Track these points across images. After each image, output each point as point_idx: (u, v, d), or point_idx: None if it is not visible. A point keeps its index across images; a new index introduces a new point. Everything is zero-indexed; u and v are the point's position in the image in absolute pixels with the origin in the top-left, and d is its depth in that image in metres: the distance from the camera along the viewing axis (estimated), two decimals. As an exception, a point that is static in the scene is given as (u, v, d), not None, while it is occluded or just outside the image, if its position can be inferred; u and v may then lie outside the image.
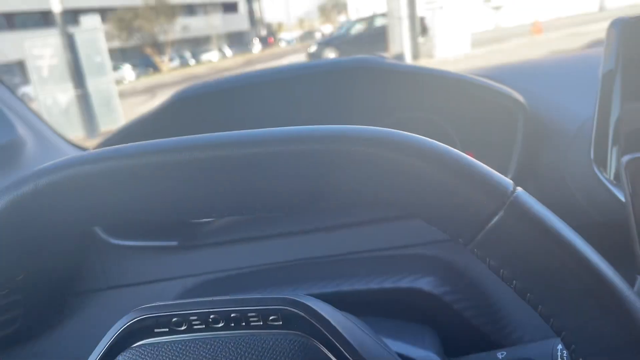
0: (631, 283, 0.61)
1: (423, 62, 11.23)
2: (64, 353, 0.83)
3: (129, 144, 0.36)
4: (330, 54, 15.52)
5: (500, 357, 0.55)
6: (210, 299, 0.38)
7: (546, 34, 12.39)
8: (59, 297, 0.85)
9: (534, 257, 0.33)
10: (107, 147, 0.36)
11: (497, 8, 19.88)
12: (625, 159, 0.61)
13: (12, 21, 29.53)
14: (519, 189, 0.35)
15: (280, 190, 0.35)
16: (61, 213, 0.36)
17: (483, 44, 12.35)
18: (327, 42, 16.55)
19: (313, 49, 16.29)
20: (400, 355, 0.57)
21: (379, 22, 16.54)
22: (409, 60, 11.26)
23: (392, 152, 0.34)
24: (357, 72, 0.86)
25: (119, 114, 8.77)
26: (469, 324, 0.70)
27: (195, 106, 0.88)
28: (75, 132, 8.49)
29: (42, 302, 0.82)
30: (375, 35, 15.86)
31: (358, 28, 16.74)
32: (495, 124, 0.86)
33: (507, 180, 0.35)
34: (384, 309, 0.72)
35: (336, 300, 0.73)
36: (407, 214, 0.37)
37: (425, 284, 0.70)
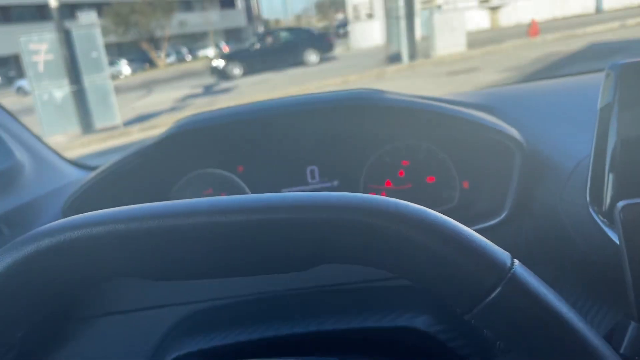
0: (624, 327, 0.62)
1: (419, 62, 11.24)
2: None
3: (127, 208, 0.36)
4: (235, 69, 15.29)
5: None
6: None
7: (543, 36, 12.41)
8: (56, 323, 0.85)
9: (531, 331, 0.34)
10: (105, 211, 0.36)
11: (493, 8, 19.89)
12: (620, 204, 0.61)
13: (8, 14, 29.36)
14: (517, 262, 0.35)
15: (279, 255, 0.36)
16: (61, 274, 0.36)
17: (479, 45, 12.36)
18: (232, 56, 16.14)
19: (218, 63, 15.64)
20: None
21: (284, 36, 16.72)
22: (405, 59, 11.27)
23: (394, 224, 0.34)
24: (356, 108, 0.86)
25: (115, 110, 8.74)
26: None
27: (194, 138, 0.88)
28: (71, 128, 8.45)
29: (38, 329, 0.82)
30: (281, 50, 16.04)
31: (263, 43, 16.65)
32: (492, 159, 0.87)
33: (506, 254, 0.35)
34: (379, 348, 0.72)
35: (332, 338, 0.74)
36: (407, 281, 0.37)
37: (420, 322, 0.71)
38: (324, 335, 0.73)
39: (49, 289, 0.36)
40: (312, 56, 15.97)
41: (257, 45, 16.45)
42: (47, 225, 0.36)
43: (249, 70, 15.49)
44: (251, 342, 0.74)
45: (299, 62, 15.69)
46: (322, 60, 16.12)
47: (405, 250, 0.34)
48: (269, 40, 16.70)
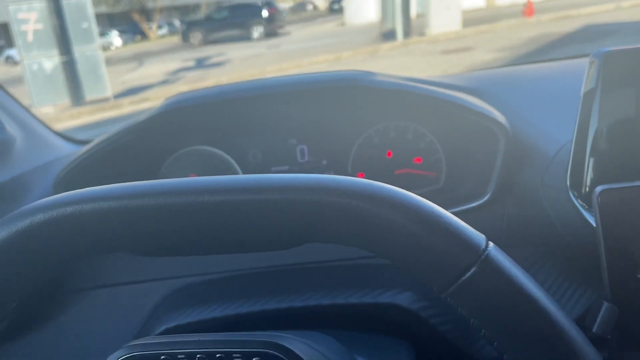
0: (598, 307, 0.64)
1: (414, 40, 11.17)
2: (52, 351, 0.85)
3: (119, 185, 0.37)
4: (194, 38, 17.75)
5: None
6: (197, 338, 0.40)
7: (538, 16, 12.34)
8: (48, 295, 0.87)
9: (503, 311, 0.36)
10: (97, 188, 0.37)
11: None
12: (598, 189, 0.63)
13: (-5, -19, 28.66)
14: (491, 244, 0.37)
15: (264, 234, 0.37)
16: (54, 249, 0.37)
17: (474, 24, 12.28)
18: (192, 24, 18.92)
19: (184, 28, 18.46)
20: None
21: (232, 10, 18.34)
22: (400, 37, 11.19)
23: (371, 205, 0.35)
24: (346, 89, 0.87)
25: (105, 82, 8.64)
26: (444, 338, 0.73)
27: (184, 116, 0.89)
28: (60, 99, 8.35)
29: (30, 301, 0.84)
30: (236, 21, 17.67)
31: (221, 14, 18.44)
32: (478, 141, 0.88)
33: (481, 236, 0.37)
34: (362, 323, 0.74)
35: (317, 314, 0.76)
36: (384, 260, 0.39)
37: (403, 299, 0.73)
38: (308, 311, 0.75)
39: (40, 263, 0.37)
40: (256, 32, 17.26)
41: (217, 16, 18.31)
42: (40, 201, 0.37)
43: (206, 40, 17.32)
44: (238, 316, 0.76)
45: (246, 38, 17.02)
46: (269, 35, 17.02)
47: (382, 231, 0.35)
48: (226, 13, 18.29)
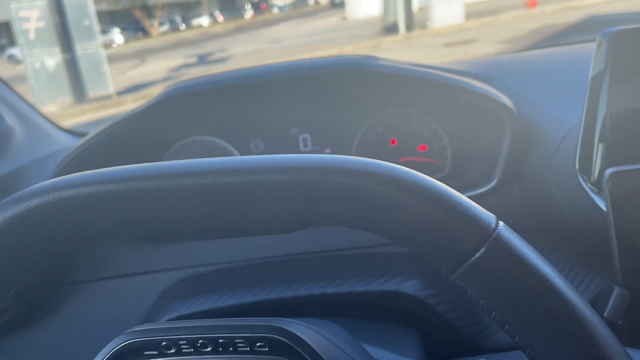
0: (609, 292, 0.63)
1: (416, 33, 11.13)
2: (54, 342, 0.85)
3: (116, 168, 0.36)
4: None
5: (479, 364, 0.56)
6: (199, 323, 0.39)
7: (541, 7, 12.28)
8: (49, 288, 0.86)
9: (513, 292, 0.34)
10: (96, 171, 0.36)
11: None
12: (608, 171, 0.62)
13: (-3, -20, 28.73)
14: (501, 223, 0.36)
15: (266, 216, 0.36)
16: (51, 234, 0.36)
17: (477, 16, 12.23)
18: None
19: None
20: None
21: None
22: (402, 30, 11.15)
23: (379, 185, 0.34)
24: (349, 74, 0.86)
25: (107, 79, 8.65)
26: (451, 326, 0.72)
27: (183, 104, 0.88)
28: (63, 97, 8.37)
29: (32, 293, 0.83)
30: None
31: None
32: (484, 126, 0.87)
33: (490, 215, 0.36)
34: (369, 311, 0.73)
35: (323, 303, 0.75)
36: (393, 242, 0.38)
37: (409, 287, 0.72)
38: (313, 299, 0.74)
39: (38, 248, 0.36)
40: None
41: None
42: (36, 185, 0.36)
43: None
44: (242, 306, 0.75)
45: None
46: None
47: (389, 211, 0.34)
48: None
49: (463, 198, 0.36)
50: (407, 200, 0.34)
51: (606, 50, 0.64)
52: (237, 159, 0.36)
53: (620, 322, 0.62)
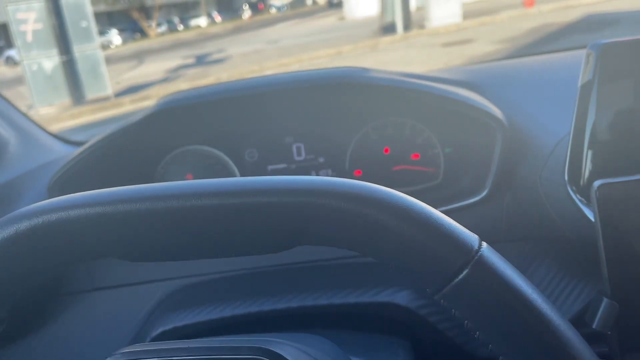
0: (598, 303, 0.63)
1: (414, 33, 11.13)
2: (50, 353, 0.85)
3: (106, 190, 0.37)
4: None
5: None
6: (186, 344, 0.40)
7: (538, 6, 12.28)
8: (45, 298, 0.86)
9: (497, 312, 0.35)
10: (84, 194, 0.37)
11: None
12: (597, 183, 0.62)
13: (-6, -19, 28.67)
14: (484, 244, 0.36)
15: (253, 238, 0.36)
16: (41, 256, 0.37)
17: (475, 15, 12.23)
18: None
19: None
20: None
21: None
22: (400, 30, 11.16)
23: (362, 207, 0.35)
24: (342, 86, 0.86)
25: (105, 81, 8.64)
26: (443, 336, 0.73)
27: (178, 115, 0.88)
28: (61, 98, 8.36)
29: (28, 304, 0.83)
30: None
31: None
32: (475, 135, 0.87)
33: (474, 236, 0.36)
34: (361, 322, 0.74)
35: (315, 314, 0.75)
36: (378, 261, 0.38)
37: (401, 298, 0.72)
38: (306, 311, 0.74)
39: (28, 270, 0.37)
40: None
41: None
42: (26, 208, 0.37)
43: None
44: (235, 317, 0.75)
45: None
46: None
47: (374, 233, 0.35)
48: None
49: (446, 219, 0.36)
50: (390, 221, 0.34)
51: (595, 61, 0.65)
52: (224, 181, 0.36)
53: (609, 332, 0.62)
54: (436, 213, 0.36)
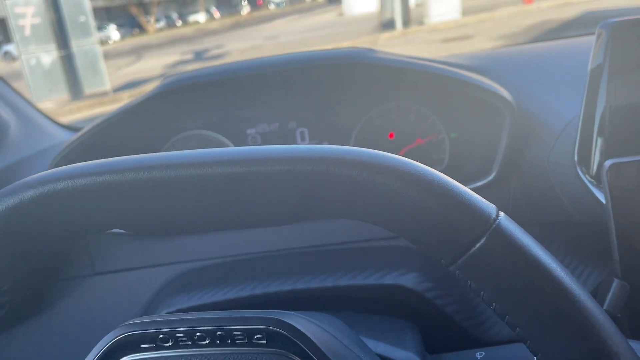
0: (608, 284, 0.63)
1: (413, 29, 11.12)
2: (51, 337, 0.84)
3: (110, 160, 0.36)
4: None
5: (479, 357, 0.56)
6: (197, 315, 0.39)
7: (538, 3, 12.28)
8: (47, 283, 0.86)
9: (514, 283, 0.34)
10: (92, 162, 0.36)
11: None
12: (607, 163, 0.62)
13: (-8, -24, 28.59)
14: (502, 214, 0.35)
15: (266, 207, 0.36)
16: (45, 227, 0.36)
17: (474, 12, 12.22)
18: None
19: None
20: (381, 357, 0.58)
21: None
22: (399, 26, 11.15)
23: (379, 176, 0.34)
24: (347, 67, 0.85)
25: (104, 76, 8.61)
26: (450, 319, 0.72)
27: (181, 97, 0.87)
28: (59, 93, 8.34)
29: (29, 289, 0.82)
30: None
31: None
32: (482, 120, 0.86)
33: (491, 206, 0.35)
34: (367, 305, 0.73)
35: (321, 296, 0.75)
36: (391, 236, 0.37)
37: (408, 280, 0.71)
38: (312, 293, 0.73)
39: (32, 241, 0.36)
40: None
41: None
42: (31, 177, 0.36)
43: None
44: (240, 300, 0.74)
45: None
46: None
47: (389, 202, 0.34)
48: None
49: (463, 188, 0.35)
50: (407, 190, 0.34)
51: (605, 41, 0.64)
52: (235, 149, 0.35)
53: (619, 314, 0.61)
54: (453, 182, 0.35)
